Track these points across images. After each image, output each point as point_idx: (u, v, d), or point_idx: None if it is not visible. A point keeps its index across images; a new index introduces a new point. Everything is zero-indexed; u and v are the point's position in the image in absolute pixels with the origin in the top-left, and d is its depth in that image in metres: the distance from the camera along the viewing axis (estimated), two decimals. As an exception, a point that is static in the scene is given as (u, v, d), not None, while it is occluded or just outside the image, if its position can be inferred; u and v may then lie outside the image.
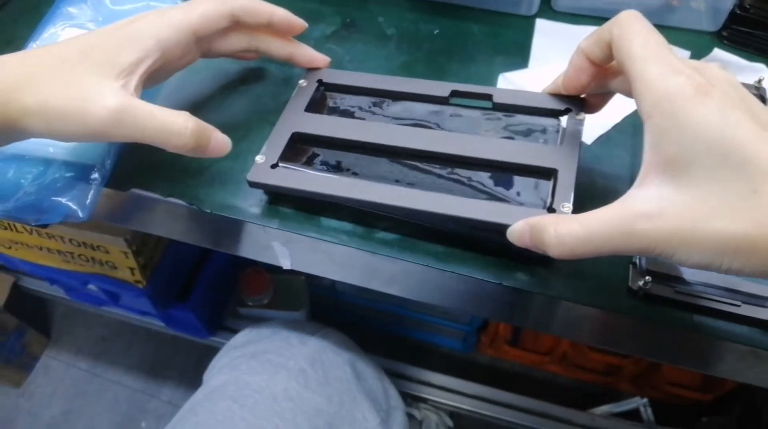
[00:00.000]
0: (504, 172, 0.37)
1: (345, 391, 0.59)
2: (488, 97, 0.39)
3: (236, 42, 0.41)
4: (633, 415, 1.00)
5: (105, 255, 0.81)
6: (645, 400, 1.02)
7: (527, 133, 0.39)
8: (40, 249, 0.84)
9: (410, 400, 0.97)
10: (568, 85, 0.36)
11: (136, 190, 0.40)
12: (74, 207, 0.38)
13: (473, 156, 0.37)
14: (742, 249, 0.24)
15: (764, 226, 0.24)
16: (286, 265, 0.42)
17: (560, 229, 0.29)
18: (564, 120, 0.38)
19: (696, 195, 0.26)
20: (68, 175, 0.38)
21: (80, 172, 0.39)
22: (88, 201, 0.38)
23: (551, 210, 0.34)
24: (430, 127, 0.39)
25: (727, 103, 0.26)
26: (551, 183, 0.36)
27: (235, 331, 0.82)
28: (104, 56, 0.33)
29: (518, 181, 0.37)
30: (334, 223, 0.38)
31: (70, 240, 0.80)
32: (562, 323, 0.40)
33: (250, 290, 1.01)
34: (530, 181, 0.36)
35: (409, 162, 0.38)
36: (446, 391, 1.01)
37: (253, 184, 0.37)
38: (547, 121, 0.39)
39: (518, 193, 0.36)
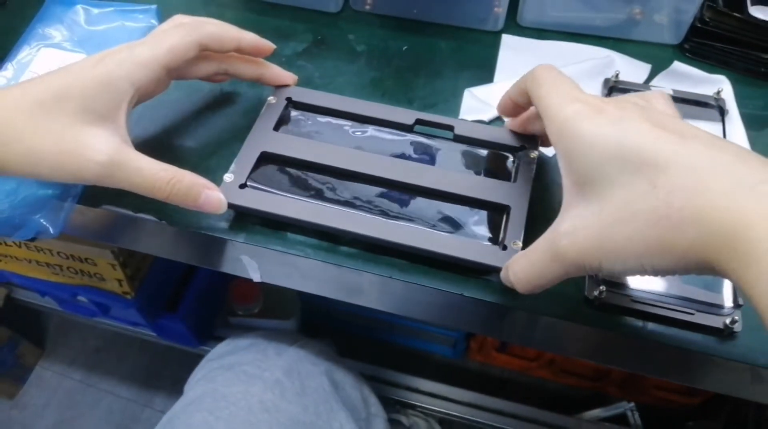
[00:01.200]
0: (460, 204, 0.38)
1: (322, 401, 0.60)
2: (450, 127, 0.41)
3: (206, 68, 0.41)
4: (620, 419, 1.01)
5: (93, 267, 0.82)
6: (632, 404, 1.02)
7: (484, 167, 0.40)
8: (29, 262, 0.85)
9: (399, 407, 0.98)
10: (509, 125, 0.42)
11: (107, 207, 0.41)
12: (46, 224, 0.39)
13: (432, 187, 0.38)
14: (653, 248, 0.25)
15: (667, 218, 0.24)
16: (256, 277, 0.43)
17: (514, 267, 0.32)
18: (519, 157, 0.40)
19: (603, 205, 0.27)
20: (40, 192, 0.40)
21: (52, 189, 0.40)
22: (60, 218, 0.39)
23: (504, 247, 0.36)
24: (393, 154, 0.41)
25: (622, 115, 0.27)
26: (503, 219, 0.37)
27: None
28: (82, 103, 0.33)
29: (473, 214, 0.38)
30: (300, 237, 0.39)
31: (59, 253, 0.81)
32: (523, 333, 0.41)
33: (240, 299, 1.02)
34: (484, 215, 0.38)
35: (372, 188, 0.39)
36: (436, 397, 1.02)
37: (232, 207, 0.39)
38: (504, 157, 0.41)
39: (472, 227, 0.37)
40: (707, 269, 0.24)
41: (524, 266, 0.31)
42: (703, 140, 0.25)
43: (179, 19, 0.40)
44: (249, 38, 0.41)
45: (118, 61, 0.35)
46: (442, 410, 1.00)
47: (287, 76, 0.44)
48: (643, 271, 0.26)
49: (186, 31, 0.38)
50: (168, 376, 1.20)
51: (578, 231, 0.27)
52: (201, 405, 0.55)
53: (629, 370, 0.41)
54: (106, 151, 0.33)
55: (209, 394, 0.56)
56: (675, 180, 0.24)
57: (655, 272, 0.25)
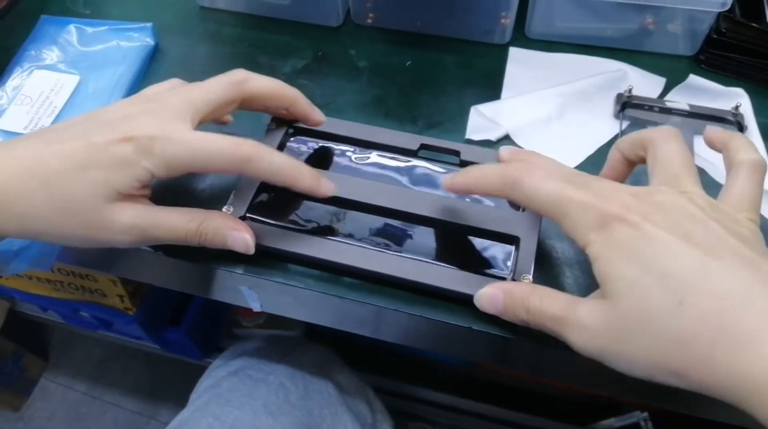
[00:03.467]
0: (467, 235, 0.37)
1: (326, 404, 0.59)
2: (456, 152, 0.39)
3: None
4: (633, 428, 0.99)
5: (94, 283, 0.81)
6: (645, 414, 1.00)
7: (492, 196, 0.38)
8: (30, 278, 0.85)
9: (406, 419, 0.96)
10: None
11: (102, 237, 0.40)
12: (38, 257, 0.38)
13: (437, 217, 0.36)
14: (670, 368, 0.24)
15: (692, 348, 0.23)
16: (256, 307, 0.42)
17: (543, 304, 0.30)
18: None
19: (621, 308, 0.25)
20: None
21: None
22: (52, 249, 0.38)
23: (514, 280, 0.34)
24: (398, 182, 0.39)
25: (646, 222, 0.26)
26: (513, 251, 0.35)
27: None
28: (103, 176, 0.31)
29: (480, 247, 0.36)
30: (300, 268, 0.38)
31: (59, 269, 0.80)
32: (535, 364, 0.40)
33: (244, 311, 1.00)
34: (491, 247, 0.36)
35: (375, 218, 0.37)
36: (444, 408, 1.00)
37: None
38: None
39: (480, 260, 0.36)
40: (728, 401, 0.23)
41: (538, 317, 0.30)
42: (737, 258, 0.24)
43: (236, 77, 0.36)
44: (302, 104, 0.39)
45: (150, 134, 0.32)
46: (451, 422, 0.98)
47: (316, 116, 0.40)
48: (648, 379, 0.25)
49: (228, 97, 0.35)
50: (173, 388, 1.19)
51: (594, 332, 0.26)
52: (207, 411, 0.55)
53: (643, 401, 0.39)
54: (133, 222, 0.32)
55: (214, 400, 0.56)
56: (703, 305, 0.23)
57: (662, 383, 0.25)
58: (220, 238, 0.34)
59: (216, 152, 0.32)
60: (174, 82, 0.37)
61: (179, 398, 1.20)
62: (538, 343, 0.35)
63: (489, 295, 0.32)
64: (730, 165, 0.31)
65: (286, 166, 0.33)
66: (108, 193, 0.31)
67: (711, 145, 0.33)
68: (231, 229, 0.34)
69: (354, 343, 1.09)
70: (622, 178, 0.35)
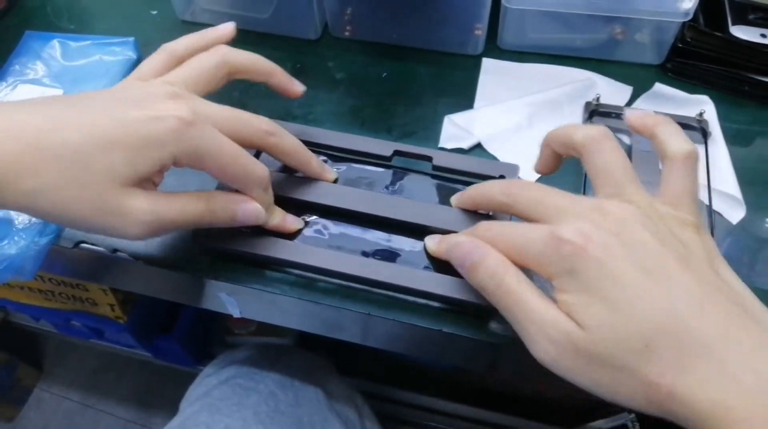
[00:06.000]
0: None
1: (316, 412, 0.60)
2: (429, 158, 0.40)
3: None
4: (621, 431, 1.00)
5: (84, 292, 0.82)
6: (632, 415, 1.01)
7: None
8: (22, 288, 0.85)
9: (395, 424, 0.97)
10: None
11: (84, 246, 0.41)
12: (20, 267, 0.39)
13: (412, 221, 0.37)
14: (638, 403, 0.26)
15: (656, 386, 0.25)
16: (236, 314, 0.43)
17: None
18: None
19: (589, 343, 0.26)
20: (15, 236, 0.39)
21: (27, 232, 0.40)
22: (34, 261, 0.39)
23: None
24: (373, 188, 0.40)
25: (606, 256, 0.26)
26: None
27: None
28: (126, 156, 0.29)
29: None
30: (277, 274, 0.39)
31: (50, 279, 0.81)
32: (511, 368, 0.41)
33: (235, 318, 1.01)
34: None
35: (353, 226, 0.38)
36: (433, 412, 1.01)
37: (203, 249, 0.38)
38: None
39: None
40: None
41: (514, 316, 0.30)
42: (693, 285, 0.26)
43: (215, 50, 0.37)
44: (279, 77, 0.39)
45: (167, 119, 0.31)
46: (439, 425, 0.99)
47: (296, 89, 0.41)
48: (612, 402, 0.27)
49: (216, 64, 0.36)
50: (166, 396, 1.20)
51: (565, 352, 0.27)
52: (197, 419, 0.55)
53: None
54: (150, 208, 0.30)
55: (205, 409, 0.57)
56: (666, 345, 0.25)
57: (627, 407, 0.27)
58: (229, 212, 0.33)
59: (243, 125, 0.33)
60: (164, 60, 0.36)
61: (172, 406, 1.20)
62: (511, 343, 0.36)
63: (463, 249, 0.32)
64: (662, 156, 0.32)
65: (300, 144, 0.36)
66: (128, 176, 0.29)
67: (635, 130, 0.34)
68: (239, 202, 0.34)
69: (343, 348, 1.09)
70: (554, 169, 0.36)
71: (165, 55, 0.36)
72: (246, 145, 0.33)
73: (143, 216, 0.30)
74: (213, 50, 0.36)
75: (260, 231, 0.37)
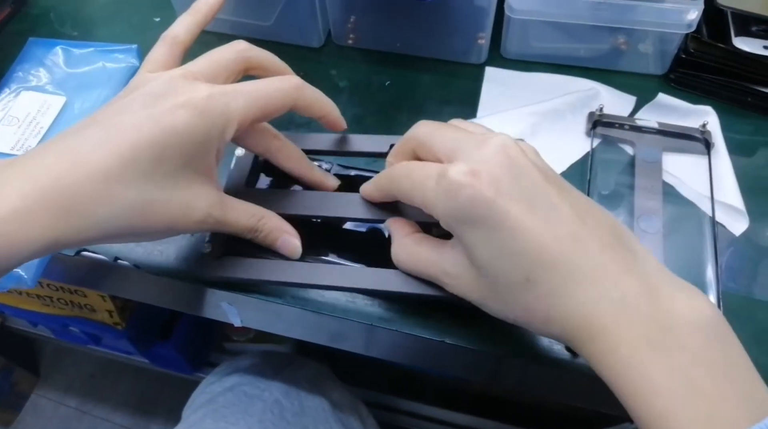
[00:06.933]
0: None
1: (321, 421, 0.60)
2: None
3: None
4: (622, 440, 1.00)
5: (83, 298, 0.81)
6: (634, 425, 1.01)
7: None
8: (20, 294, 0.85)
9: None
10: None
11: (85, 253, 0.41)
12: (23, 274, 0.39)
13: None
14: (527, 322, 0.29)
15: (533, 312, 0.28)
16: (237, 323, 0.43)
17: (394, 248, 0.34)
18: None
19: (483, 275, 0.29)
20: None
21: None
22: (36, 268, 0.39)
23: None
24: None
25: (494, 195, 0.27)
26: None
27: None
28: (182, 162, 0.30)
29: None
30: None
31: (48, 285, 0.80)
32: (511, 379, 0.41)
33: (234, 325, 1.01)
34: None
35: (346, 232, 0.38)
36: (435, 422, 1.01)
37: (208, 281, 0.38)
38: None
39: None
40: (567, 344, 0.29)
41: (406, 264, 0.33)
42: (579, 234, 0.27)
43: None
44: (332, 116, 0.38)
45: (216, 116, 0.31)
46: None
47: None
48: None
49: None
50: (163, 403, 1.19)
51: (462, 284, 0.30)
52: (202, 426, 0.55)
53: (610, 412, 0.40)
54: (207, 209, 0.32)
55: (210, 416, 0.57)
56: (549, 281, 0.26)
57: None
58: (272, 238, 0.35)
59: (274, 88, 0.33)
60: (168, 49, 0.35)
61: (170, 413, 1.21)
62: (529, 359, 0.36)
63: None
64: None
65: (322, 95, 0.37)
66: (185, 175, 0.30)
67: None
68: (284, 233, 0.36)
69: (344, 357, 1.09)
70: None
71: (168, 43, 0.35)
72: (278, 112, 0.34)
73: (197, 214, 0.31)
74: (232, 44, 0.36)
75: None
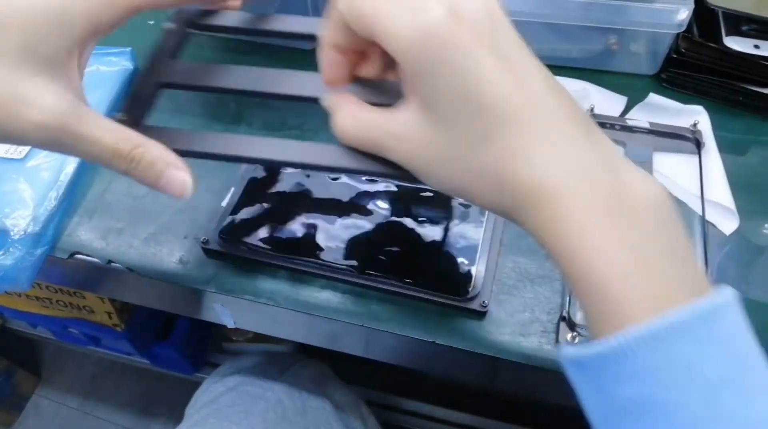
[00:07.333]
0: None
1: (323, 421, 0.60)
2: None
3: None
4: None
5: (82, 300, 0.82)
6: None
7: None
8: (19, 296, 0.85)
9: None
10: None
11: (79, 256, 0.41)
12: (16, 277, 0.39)
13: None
14: (473, 193, 0.26)
15: (488, 177, 0.25)
16: (230, 324, 0.43)
17: (338, 118, 0.28)
18: None
19: (439, 131, 0.26)
20: (11, 247, 0.39)
21: (22, 243, 0.40)
22: (30, 271, 0.39)
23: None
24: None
25: (472, 41, 0.24)
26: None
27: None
28: (24, 40, 0.25)
29: None
30: (269, 284, 0.39)
31: (47, 287, 0.81)
32: (502, 377, 0.41)
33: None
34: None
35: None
36: (437, 422, 1.01)
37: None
38: None
39: None
40: (511, 219, 0.26)
41: (350, 128, 0.28)
42: (547, 100, 0.25)
43: None
44: None
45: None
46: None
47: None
48: (465, 200, 0.28)
49: None
50: (164, 403, 1.19)
51: (411, 143, 0.26)
52: (205, 425, 0.56)
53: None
54: (54, 109, 0.26)
55: (213, 415, 0.57)
56: (509, 140, 0.24)
57: (476, 205, 0.28)
58: (153, 172, 0.28)
59: None
60: None
61: (171, 413, 1.21)
62: (526, 363, 0.36)
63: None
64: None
65: None
66: (26, 59, 0.25)
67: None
68: (170, 165, 0.28)
69: (344, 356, 1.09)
70: (346, 80, 0.29)
71: None
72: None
73: (42, 116, 0.25)
74: None
75: None
